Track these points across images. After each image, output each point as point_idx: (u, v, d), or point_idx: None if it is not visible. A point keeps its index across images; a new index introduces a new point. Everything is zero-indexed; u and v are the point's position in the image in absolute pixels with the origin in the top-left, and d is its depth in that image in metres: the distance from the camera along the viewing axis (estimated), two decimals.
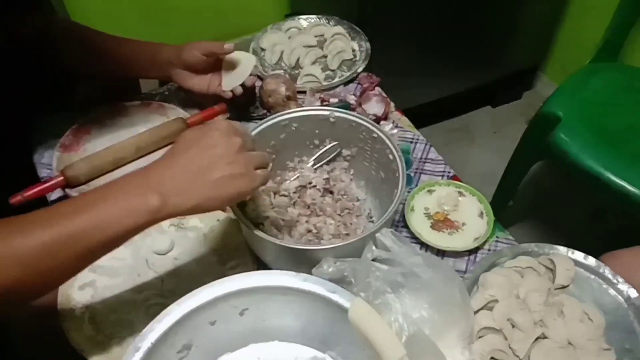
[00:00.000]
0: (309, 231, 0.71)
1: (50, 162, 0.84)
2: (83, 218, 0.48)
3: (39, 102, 0.97)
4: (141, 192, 0.50)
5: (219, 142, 0.53)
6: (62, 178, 0.76)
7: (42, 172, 0.85)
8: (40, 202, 0.77)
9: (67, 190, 0.77)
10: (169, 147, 0.57)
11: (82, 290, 0.67)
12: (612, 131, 1.14)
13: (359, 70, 1.01)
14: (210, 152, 0.52)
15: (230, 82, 0.86)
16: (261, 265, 0.69)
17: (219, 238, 0.72)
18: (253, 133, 0.73)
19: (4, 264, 0.46)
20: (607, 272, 0.67)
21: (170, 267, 0.70)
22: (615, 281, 0.66)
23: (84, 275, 0.67)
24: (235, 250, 0.70)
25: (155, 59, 0.88)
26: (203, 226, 0.74)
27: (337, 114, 0.75)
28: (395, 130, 0.89)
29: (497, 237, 0.76)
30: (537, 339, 0.61)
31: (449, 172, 0.84)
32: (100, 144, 0.85)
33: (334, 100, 0.95)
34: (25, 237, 0.47)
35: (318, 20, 1.13)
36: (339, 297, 0.53)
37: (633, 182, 1.03)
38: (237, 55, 0.86)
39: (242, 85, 0.87)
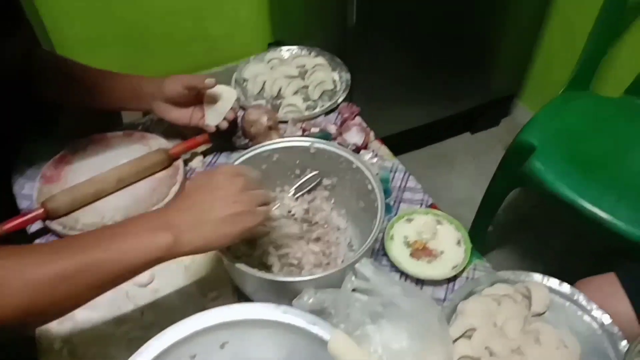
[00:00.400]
0: (291, 263, 0.71)
1: (31, 193, 0.84)
2: (98, 250, 0.52)
3: (19, 132, 0.97)
4: (155, 230, 0.54)
5: (223, 184, 0.58)
6: (42, 210, 0.75)
7: (23, 204, 0.85)
8: (20, 233, 0.77)
9: (47, 222, 0.77)
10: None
11: (61, 324, 0.66)
12: (585, 159, 1.17)
13: (340, 100, 1.04)
14: (215, 194, 0.57)
15: (212, 116, 0.88)
16: (241, 296, 0.69)
17: (200, 269, 0.72)
18: (235, 164, 0.74)
19: (17, 291, 0.48)
20: (582, 299, 0.69)
21: (151, 299, 0.69)
22: (589, 308, 0.68)
23: None
24: (216, 282, 0.70)
25: (137, 93, 0.89)
26: (185, 257, 0.74)
27: (317, 145, 0.77)
28: (374, 160, 0.91)
29: (475, 264, 0.77)
30: None
31: (427, 201, 0.86)
32: (82, 175, 0.84)
33: (315, 129, 0.96)
34: (40, 265, 0.49)
35: (299, 51, 1.16)
36: (319, 329, 0.53)
37: (606, 209, 1.06)
38: (218, 89, 0.88)
39: (225, 118, 0.88)
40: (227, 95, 0.89)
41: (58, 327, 0.66)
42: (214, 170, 0.61)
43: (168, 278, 0.71)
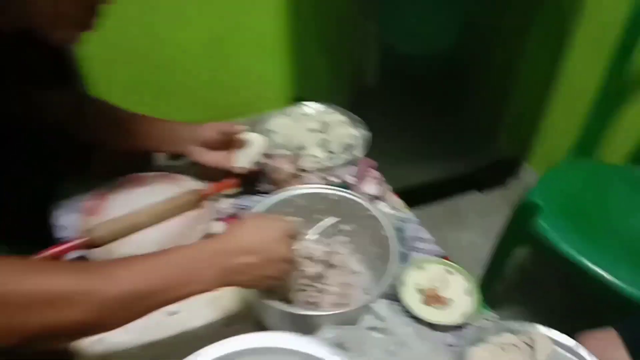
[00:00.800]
0: (309, 302, 0.76)
1: (68, 224, 0.91)
2: (158, 280, 0.59)
3: (58, 170, 1.04)
4: (207, 268, 0.62)
5: (274, 248, 0.65)
6: (87, 238, 0.81)
7: (60, 234, 0.91)
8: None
9: (85, 251, 0.83)
10: (236, 224, 0.70)
11: (93, 346, 0.71)
12: (588, 222, 1.24)
13: (358, 154, 1.11)
14: (264, 255, 0.65)
15: (243, 160, 0.95)
16: (262, 329, 0.74)
17: (226, 300, 0.77)
18: (260, 209, 0.81)
19: (86, 306, 0.54)
20: (583, 353, 0.73)
21: (178, 328, 0.74)
22: None
23: None
24: (239, 313, 0.75)
25: (173, 136, 0.98)
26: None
27: (337, 193, 0.84)
28: (391, 211, 0.97)
29: (483, 314, 0.82)
30: None
31: (439, 252, 0.91)
32: (119, 211, 0.91)
33: (334, 179, 1.03)
34: (109, 286, 0.56)
35: (321, 108, 1.24)
36: None
37: (607, 268, 1.11)
38: (249, 135, 0.96)
39: (254, 162, 0.96)
40: (257, 141, 0.97)
41: (90, 349, 0.70)
42: (275, 224, 0.68)
43: (194, 308, 0.76)
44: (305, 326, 0.66)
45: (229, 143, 0.97)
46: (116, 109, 0.99)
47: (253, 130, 1.00)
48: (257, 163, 0.98)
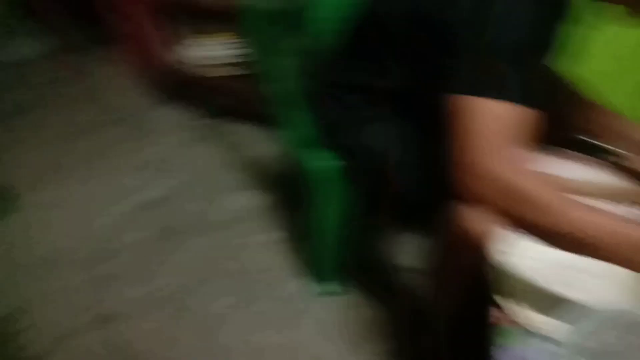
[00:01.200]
0: None
1: None
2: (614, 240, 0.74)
3: None
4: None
5: None
6: None
7: None
8: None
9: None
10: None
11: (522, 259, 0.78)
12: None
13: None
14: None
15: None
16: None
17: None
18: None
19: (566, 220, 0.76)
20: None
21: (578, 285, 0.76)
22: None
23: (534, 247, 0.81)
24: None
25: (621, 131, 1.04)
26: None
27: None
28: None
29: None
30: None
31: None
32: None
33: None
34: (588, 215, 0.76)
35: None
36: None
37: None
38: None
39: None
40: None
41: (518, 263, 0.78)
42: None
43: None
44: None
45: None
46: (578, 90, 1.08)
47: None
48: None
